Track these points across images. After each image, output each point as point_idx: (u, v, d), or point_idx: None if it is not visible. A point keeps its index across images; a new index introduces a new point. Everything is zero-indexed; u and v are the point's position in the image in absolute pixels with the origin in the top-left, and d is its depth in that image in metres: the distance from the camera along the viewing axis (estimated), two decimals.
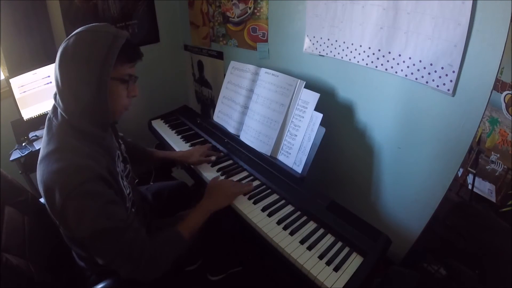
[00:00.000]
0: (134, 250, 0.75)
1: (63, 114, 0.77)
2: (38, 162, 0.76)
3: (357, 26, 1.18)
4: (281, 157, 1.29)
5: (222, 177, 1.22)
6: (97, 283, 0.89)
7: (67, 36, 0.79)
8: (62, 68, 0.75)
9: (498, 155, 0.93)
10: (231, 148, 1.38)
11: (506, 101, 0.88)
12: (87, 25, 0.78)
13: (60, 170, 0.71)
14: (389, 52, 1.12)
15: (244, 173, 1.26)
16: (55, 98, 0.80)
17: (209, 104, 2.22)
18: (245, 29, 1.67)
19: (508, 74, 0.86)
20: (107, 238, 0.72)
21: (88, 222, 0.70)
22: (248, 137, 1.40)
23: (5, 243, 0.78)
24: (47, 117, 0.81)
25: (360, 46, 1.20)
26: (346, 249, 0.93)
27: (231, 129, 1.49)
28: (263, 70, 1.40)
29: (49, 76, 1.55)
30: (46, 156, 0.74)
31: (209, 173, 1.25)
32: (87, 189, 0.70)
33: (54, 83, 0.78)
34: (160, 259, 0.80)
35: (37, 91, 1.53)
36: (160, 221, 1.12)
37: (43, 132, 1.59)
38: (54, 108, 0.81)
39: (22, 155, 1.43)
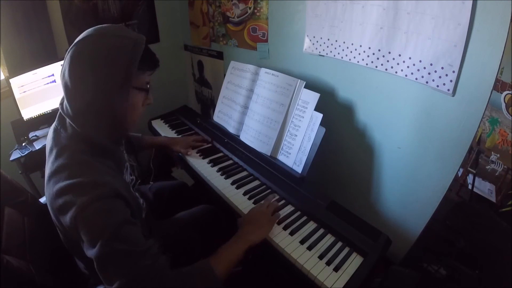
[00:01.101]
0: (150, 279, 0.64)
1: (74, 125, 0.71)
2: (47, 178, 0.70)
3: (357, 26, 1.18)
4: (281, 157, 1.29)
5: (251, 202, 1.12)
6: (97, 285, 0.90)
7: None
8: (75, 74, 0.68)
9: (498, 155, 0.93)
10: (231, 148, 1.38)
11: (506, 101, 0.88)
12: (99, 27, 0.71)
13: (73, 186, 0.65)
14: (389, 52, 1.12)
15: (244, 173, 1.26)
16: (63, 107, 0.74)
17: (209, 104, 2.22)
18: (245, 29, 1.67)
19: (508, 74, 0.86)
20: (118, 262, 0.63)
21: (100, 242, 0.62)
22: (248, 137, 1.40)
23: (6, 244, 0.78)
24: (53, 128, 0.75)
25: (360, 46, 1.20)
26: (346, 249, 0.93)
27: (231, 129, 1.49)
28: (263, 70, 1.40)
29: (49, 76, 1.55)
30: (56, 171, 0.68)
31: (209, 173, 1.25)
32: (100, 207, 0.64)
33: (63, 90, 0.71)
34: None
35: (37, 91, 1.53)
36: (159, 222, 1.11)
37: (43, 132, 1.61)
38: (61, 118, 0.74)
39: (22, 155, 1.43)
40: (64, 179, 0.66)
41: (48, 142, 0.76)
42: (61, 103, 0.74)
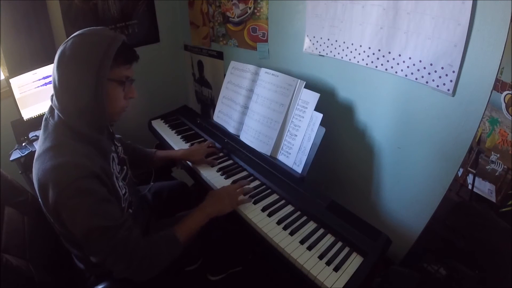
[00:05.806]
0: (126, 249, 0.75)
1: (60, 115, 0.78)
2: (34, 159, 0.77)
3: (357, 26, 1.18)
4: (281, 157, 1.29)
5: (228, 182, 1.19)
6: (96, 284, 0.90)
7: (67, 36, 0.80)
8: (60, 70, 0.76)
9: (498, 155, 0.93)
10: (231, 148, 1.38)
11: (506, 101, 0.88)
12: (85, 29, 0.79)
13: (55, 167, 0.71)
14: (389, 52, 1.12)
15: (244, 173, 1.26)
16: (52, 99, 0.82)
17: (209, 104, 2.22)
18: (245, 29, 1.67)
19: (508, 74, 0.86)
20: (99, 236, 0.72)
21: (81, 219, 0.71)
22: (248, 137, 1.40)
23: (5, 243, 0.78)
24: (44, 117, 0.82)
25: (360, 46, 1.20)
26: (346, 249, 0.93)
27: (231, 129, 1.49)
28: (263, 70, 1.40)
29: (49, 76, 1.55)
30: (42, 153, 0.75)
31: (209, 173, 1.25)
32: (80, 187, 0.70)
33: (52, 84, 0.79)
34: (153, 259, 0.80)
35: (37, 91, 1.52)
36: (159, 222, 1.12)
37: None
38: (51, 109, 0.82)
39: (22, 155, 1.43)
40: (47, 161, 0.73)
41: (41, 130, 0.83)
42: (52, 96, 0.82)
